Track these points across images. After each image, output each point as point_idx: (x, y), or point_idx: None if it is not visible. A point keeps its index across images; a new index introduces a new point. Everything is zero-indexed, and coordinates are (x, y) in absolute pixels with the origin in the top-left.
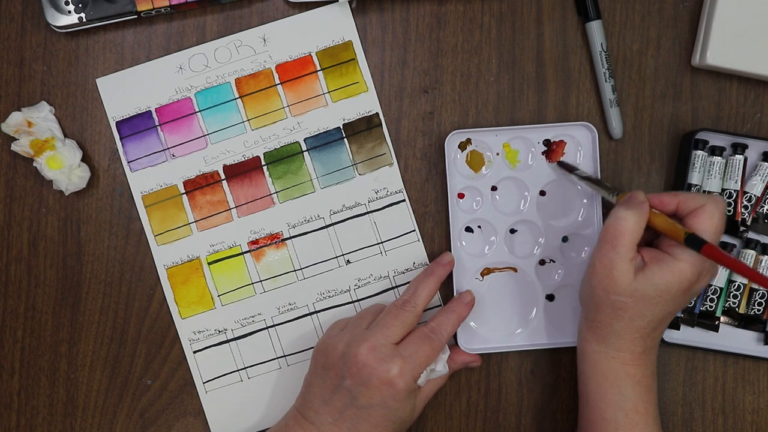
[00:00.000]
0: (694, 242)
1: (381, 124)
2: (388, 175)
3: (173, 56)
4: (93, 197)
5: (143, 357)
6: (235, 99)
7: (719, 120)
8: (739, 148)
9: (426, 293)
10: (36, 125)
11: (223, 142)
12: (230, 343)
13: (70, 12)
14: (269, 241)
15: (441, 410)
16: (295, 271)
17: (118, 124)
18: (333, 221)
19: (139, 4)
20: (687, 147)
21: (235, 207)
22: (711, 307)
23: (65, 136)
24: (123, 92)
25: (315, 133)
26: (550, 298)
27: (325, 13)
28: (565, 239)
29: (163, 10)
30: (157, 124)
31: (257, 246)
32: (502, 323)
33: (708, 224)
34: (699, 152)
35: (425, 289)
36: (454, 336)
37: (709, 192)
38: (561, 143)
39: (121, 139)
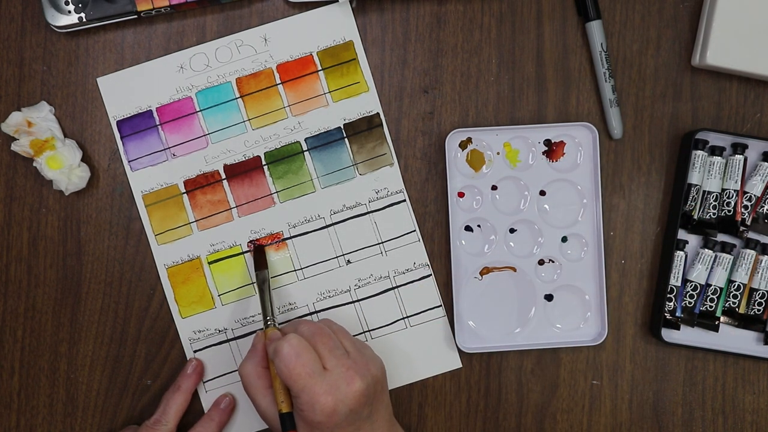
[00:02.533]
0: (286, 421)
1: (382, 124)
2: (388, 175)
3: (174, 55)
4: (93, 197)
5: (143, 357)
6: (236, 98)
7: (719, 120)
8: (739, 148)
9: (175, 409)
10: (36, 125)
11: (223, 141)
12: (230, 342)
13: (70, 12)
14: (270, 241)
15: (441, 410)
16: (295, 270)
17: (119, 123)
18: (333, 221)
19: (139, 4)
20: (687, 147)
21: (236, 207)
22: (711, 307)
23: (65, 136)
24: (124, 91)
25: (316, 133)
26: (548, 297)
27: (325, 13)
28: (564, 239)
29: (163, 10)
30: (157, 123)
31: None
32: (500, 323)
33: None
34: (699, 152)
35: (173, 405)
36: (453, 335)
37: (708, 191)
38: (561, 143)
39: (121, 138)
